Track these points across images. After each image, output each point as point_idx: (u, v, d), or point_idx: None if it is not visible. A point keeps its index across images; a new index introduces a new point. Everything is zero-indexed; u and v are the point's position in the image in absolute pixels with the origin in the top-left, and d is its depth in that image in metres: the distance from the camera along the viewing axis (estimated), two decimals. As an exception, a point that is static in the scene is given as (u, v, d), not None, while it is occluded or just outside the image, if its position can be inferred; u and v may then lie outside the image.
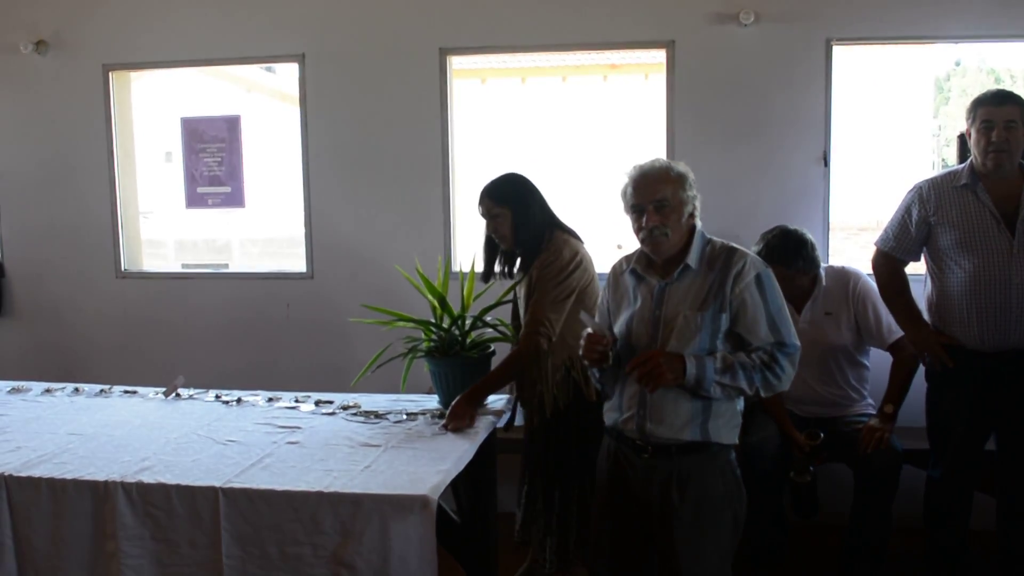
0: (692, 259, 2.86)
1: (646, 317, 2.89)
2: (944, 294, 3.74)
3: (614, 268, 3.10)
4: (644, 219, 2.85)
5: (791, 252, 3.98)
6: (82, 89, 5.46)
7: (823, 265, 4.16)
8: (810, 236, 4.08)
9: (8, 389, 4.01)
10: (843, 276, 4.13)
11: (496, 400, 3.62)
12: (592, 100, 12.89)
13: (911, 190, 3.83)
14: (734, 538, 2.93)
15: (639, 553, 2.97)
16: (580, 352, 2.93)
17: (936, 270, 3.78)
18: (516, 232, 3.66)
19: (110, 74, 5.44)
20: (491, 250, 3.81)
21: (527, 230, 3.66)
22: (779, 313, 2.82)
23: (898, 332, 4.03)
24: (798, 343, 2.84)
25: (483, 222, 3.71)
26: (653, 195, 2.85)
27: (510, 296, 3.84)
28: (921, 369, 3.92)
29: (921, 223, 3.76)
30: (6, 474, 2.96)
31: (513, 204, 3.66)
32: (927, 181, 3.82)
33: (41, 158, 5.59)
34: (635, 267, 2.97)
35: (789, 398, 4.05)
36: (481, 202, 3.70)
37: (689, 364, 2.74)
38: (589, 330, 2.89)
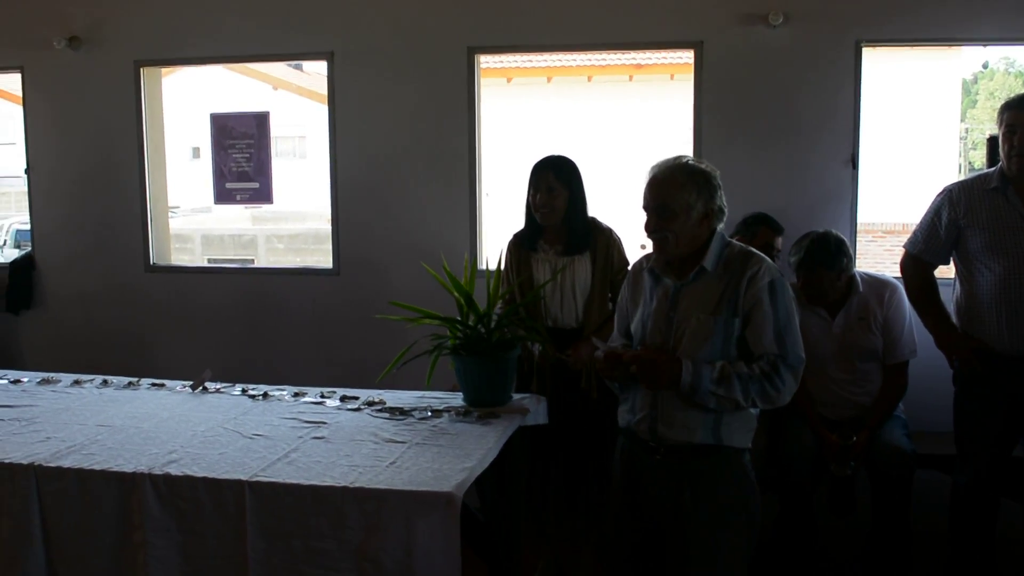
0: (708, 262, 2.83)
1: (661, 318, 2.88)
2: (973, 297, 3.71)
3: (634, 266, 3.10)
4: (647, 221, 2.86)
5: (833, 253, 3.98)
6: (114, 85, 5.51)
7: (859, 271, 4.14)
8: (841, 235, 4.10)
9: (38, 380, 4.03)
10: (880, 285, 4.10)
11: (522, 398, 3.62)
12: (617, 100, 12.88)
13: (941, 193, 3.81)
14: (750, 541, 2.91)
15: (653, 554, 2.96)
16: (600, 371, 2.93)
17: (965, 273, 3.76)
18: (569, 212, 3.87)
19: (141, 70, 5.49)
20: (533, 223, 3.98)
21: (578, 213, 3.91)
22: (787, 323, 2.77)
23: (904, 357, 4.06)
24: (803, 356, 2.79)
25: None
26: (656, 199, 2.83)
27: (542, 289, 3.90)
28: (949, 373, 3.90)
29: (951, 226, 3.73)
30: (36, 464, 2.98)
31: (572, 185, 3.89)
32: (957, 184, 3.80)
33: (72, 153, 5.65)
34: (653, 266, 2.95)
35: (820, 402, 4.05)
36: (540, 174, 3.88)
37: (685, 371, 2.72)
38: (600, 352, 2.90)
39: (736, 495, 2.85)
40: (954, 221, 3.72)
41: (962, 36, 4.73)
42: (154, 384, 3.98)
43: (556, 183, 3.85)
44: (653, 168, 2.88)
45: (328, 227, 5.38)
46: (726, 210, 2.90)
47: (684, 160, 2.88)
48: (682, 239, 2.82)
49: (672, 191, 2.80)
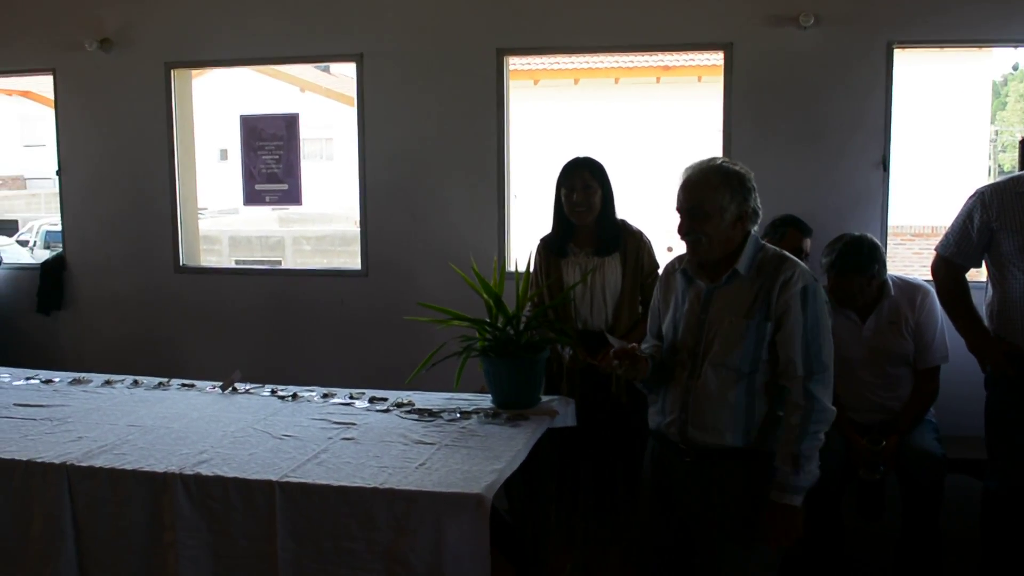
0: (742, 265, 2.81)
1: (692, 320, 2.87)
2: (1006, 301, 3.67)
3: (667, 267, 3.08)
4: (680, 223, 2.85)
5: (866, 258, 3.94)
6: (144, 86, 5.55)
7: (891, 275, 4.10)
8: (876, 239, 4.06)
9: (70, 380, 4.07)
10: (912, 288, 4.07)
11: (551, 400, 3.62)
12: (644, 102, 12.87)
13: (973, 195, 3.77)
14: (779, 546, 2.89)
15: (682, 557, 2.95)
16: (619, 370, 2.90)
17: (998, 276, 3.72)
18: (601, 210, 3.88)
19: (172, 72, 5.53)
20: (562, 225, 3.97)
21: (609, 213, 3.92)
22: (815, 330, 2.74)
23: (936, 362, 4.02)
24: (827, 361, 2.75)
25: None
26: (689, 201, 2.81)
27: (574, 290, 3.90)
28: (981, 377, 3.86)
29: (983, 228, 3.69)
30: (68, 464, 3.01)
31: (605, 184, 3.90)
32: (989, 186, 3.75)
33: (103, 154, 5.69)
34: (686, 267, 2.93)
35: (849, 406, 4.01)
36: (576, 172, 3.88)
37: (790, 500, 2.73)
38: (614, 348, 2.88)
39: (767, 499, 2.83)
40: (986, 224, 3.68)
41: (994, 37, 4.68)
42: (184, 384, 4.01)
43: (592, 180, 3.86)
44: (687, 169, 2.86)
45: (354, 229, 5.39)
46: (760, 213, 2.87)
47: (719, 162, 2.86)
48: (715, 241, 2.80)
49: (706, 192, 2.78)
